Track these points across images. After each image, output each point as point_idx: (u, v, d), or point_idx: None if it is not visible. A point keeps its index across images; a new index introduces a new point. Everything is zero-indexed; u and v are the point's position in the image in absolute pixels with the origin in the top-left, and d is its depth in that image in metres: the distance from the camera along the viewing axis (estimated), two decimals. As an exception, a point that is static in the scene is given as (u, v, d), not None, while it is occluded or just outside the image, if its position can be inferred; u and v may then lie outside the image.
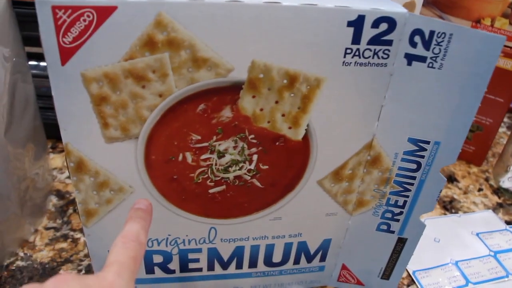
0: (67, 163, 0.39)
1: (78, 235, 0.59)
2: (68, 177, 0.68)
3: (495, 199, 0.72)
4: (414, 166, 0.42)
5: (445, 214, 0.68)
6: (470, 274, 0.58)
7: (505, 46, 0.68)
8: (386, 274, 0.51)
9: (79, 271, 0.54)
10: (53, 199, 0.64)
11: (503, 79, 0.70)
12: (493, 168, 0.77)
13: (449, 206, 0.69)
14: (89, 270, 0.54)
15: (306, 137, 0.39)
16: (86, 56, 0.33)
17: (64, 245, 0.57)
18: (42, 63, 0.68)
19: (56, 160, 0.71)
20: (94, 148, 0.38)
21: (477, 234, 0.64)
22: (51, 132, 0.62)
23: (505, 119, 0.95)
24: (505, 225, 0.67)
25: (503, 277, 0.58)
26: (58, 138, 0.37)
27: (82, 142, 0.37)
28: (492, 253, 0.61)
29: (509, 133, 0.90)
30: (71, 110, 0.36)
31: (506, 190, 0.73)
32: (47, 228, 0.60)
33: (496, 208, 0.70)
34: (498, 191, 0.73)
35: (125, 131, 0.37)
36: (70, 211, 0.63)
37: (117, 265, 0.29)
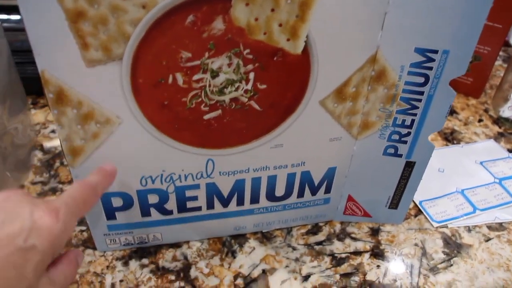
0: (45, 94, 0.35)
1: (67, 187, 0.56)
2: (53, 131, 0.64)
3: (496, 129, 0.70)
4: (421, 79, 0.39)
5: (447, 145, 0.66)
6: (477, 201, 0.56)
7: (503, -35, 0.65)
8: (394, 203, 0.49)
9: (71, 222, 0.51)
10: (38, 154, 0.61)
11: (501, 3, 0.66)
12: (492, 99, 0.75)
13: (450, 138, 0.67)
14: (81, 222, 0.51)
15: (306, 51, 0.36)
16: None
17: (53, 198, 0.54)
18: (14, 17, 0.63)
19: (38, 115, 0.67)
20: (74, 74, 0.34)
21: (481, 163, 0.63)
22: (31, 88, 0.60)
23: (501, 53, 0.92)
24: (508, 153, 0.65)
25: (510, 202, 0.56)
26: (39, 94, 0.34)
27: (60, 68, 0.34)
28: (497, 180, 0.60)
29: (505, 65, 0.87)
30: (44, 30, 0.32)
31: (507, 119, 0.71)
32: (34, 183, 0.57)
33: (498, 137, 0.68)
34: (498, 121, 0.71)
35: (107, 51, 0.33)
36: (57, 164, 0.59)
37: (66, 197, 0.32)
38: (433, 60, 0.38)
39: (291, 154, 0.43)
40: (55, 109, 0.36)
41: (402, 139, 0.43)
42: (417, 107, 0.41)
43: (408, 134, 0.43)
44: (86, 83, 0.35)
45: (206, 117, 0.38)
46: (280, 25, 0.34)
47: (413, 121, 0.42)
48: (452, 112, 0.73)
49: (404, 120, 0.42)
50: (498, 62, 0.89)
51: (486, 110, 0.74)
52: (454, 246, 0.50)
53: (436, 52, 0.38)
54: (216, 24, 0.34)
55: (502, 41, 0.71)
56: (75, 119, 0.37)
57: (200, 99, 0.37)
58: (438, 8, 0.35)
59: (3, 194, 0.29)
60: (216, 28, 0.34)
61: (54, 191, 0.55)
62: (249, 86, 0.37)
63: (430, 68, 0.39)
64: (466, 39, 0.37)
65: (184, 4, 0.32)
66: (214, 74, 0.36)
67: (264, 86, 0.37)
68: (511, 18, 0.68)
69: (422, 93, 0.40)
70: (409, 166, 0.45)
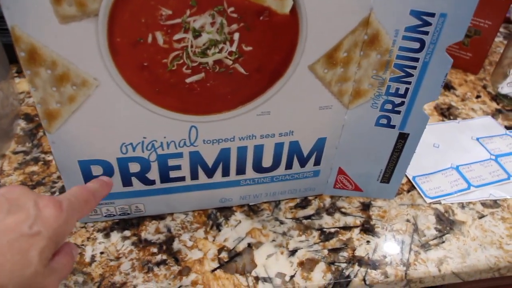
0: (16, 53, 0.33)
1: (50, 157, 0.54)
2: (36, 100, 0.62)
3: (494, 105, 0.68)
4: (417, 45, 0.37)
5: (443, 120, 0.64)
6: (472, 178, 0.54)
7: None
8: (386, 176, 0.47)
9: (53, 193, 0.49)
10: (21, 123, 0.59)
11: (504, -26, 0.64)
12: (490, 75, 0.73)
13: (447, 113, 0.65)
14: (63, 192, 0.49)
15: (294, 11, 0.34)
16: None
17: (35, 168, 0.53)
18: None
19: (23, 84, 0.65)
20: (47, 31, 0.32)
21: (477, 139, 0.61)
22: (15, 56, 0.57)
23: (502, 29, 0.90)
24: (505, 129, 0.63)
25: (505, 179, 0.55)
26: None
27: (31, 23, 0.32)
28: (493, 157, 0.58)
29: (505, 42, 0.85)
30: (13, -18, 0.30)
31: (505, 96, 0.69)
32: (15, 153, 0.55)
33: (495, 114, 0.66)
34: (497, 97, 0.69)
35: (82, 6, 0.31)
36: (41, 133, 0.57)
37: (69, 195, 0.32)
38: (430, 24, 0.36)
39: (278, 122, 0.41)
40: (27, 69, 0.34)
41: (396, 109, 0.41)
42: (411, 75, 0.39)
43: (402, 103, 0.41)
44: (60, 41, 0.33)
45: (188, 80, 0.36)
46: (267, -19, 0.32)
47: (407, 89, 0.40)
48: (450, 87, 0.71)
49: (397, 89, 0.40)
50: (499, 39, 0.87)
51: (484, 87, 0.72)
52: (446, 223, 0.49)
53: (433, 15, 0.36)
54: (197, -22, 0.31)
55: (503, 15, 0.68)
56: (49, 80, 0.35)
57: (182, 60, 0.35)
58: (436, -33, 0.33)
59: (5, 188, 0.29)
60: (198, -18, 0.31)
61: (36, 160, 0.53)
62: (234, 48, 0.35)
63: (426, 33, 0.37)
64: (464, 2, 0.35)
65: (163, -45, 0.30)
66: (196, 34, 0.34)
67: (249, 48, 0.35)
68: (513, -10, 0.66)
69: (417, 59, 0.38)
70: (402, 138, 0.43)
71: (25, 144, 0.56)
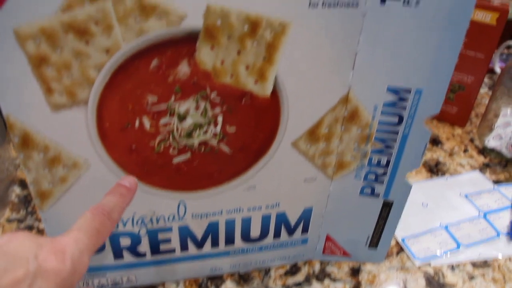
0: (11, 139, 0.34)
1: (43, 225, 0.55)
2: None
3: (481, 159, 0.69)
4: (395, 119, 0.39)
5: (431, 177, 0.65)
6: (461, 237, 0.55)
7: (483, -2, 0.65)
8: (374, 242, 0.48)
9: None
10: (16, 190, 0.60)
11: (482, 33, 0.67)
12: (477, 128, 0.75)
13: (435, 169, 0.66)
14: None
15: (274, 93, 0.35)
16: (16, 9, 0.29)
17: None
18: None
19: (17, 150, 0.67)
20: (39, 119, 0.33)
21: (466, 196, 0.62)
22: None
23: (486, 80, 0.92)
24: (493, 184, 0.64)
25: (494, 237, 0.55)
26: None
27: (24, 112, 0.33)
28: (482, 214, 0.59)
29: (490, 93, 0.87)
30: (7, 75, 0.31)
31: (492, 149, 0.70)
32: (9, 221, 0.55)
33: (483, 168, 0.67)
34: (484, 151, 0.71)
35: (72, 96, 0.33)
36: (34, 201, 0.58)
37: (76, 232, 0.28)
38: (406, 99, 0.38)
39: (264, 195, 0.42)
40: (21, 153, 0.35)
41: (379, 178, 0.42)
42: (392, 147, 0.40)
43: (384, 174, 0.42)
44: (52, 127, 0.34)
45: (175, 160, 0.37)
46: (247, 67, 0.34)
47: (388, 161, 0.41)
48: (437, 142, 0.72)
49: (379, 160, 0.41)
50: (484, 90, 0.89)
51: (471, 140, 0.73)
52: (436, 286, 0.49)
53: (409, 91, 0.37)
54: (181, 68, 0.33)
55: (484, 70, 0.71)
56: (42, 163, 0.36)
57: (168, 142, 0.36)
58: (409, 47, 0.35)
59: (4, 238, 0.26)
60: (181, 71, 0.33)
61: (30, 228, 0.54)
62: (218, 129, 0.36)
63: (404, 107, 0.38)
64: (438, 78, 0.36)
65: (148, 48, 0.32)
66: (182, 118, 0.35)
67: (233, 129, 0.37)
68: (493, 48, 0.68)
69: (396, 132, 0.39)
70: (387, 205, 0.44)
71: (19, 211, 0.57)
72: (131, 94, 0.33)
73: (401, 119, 0.39)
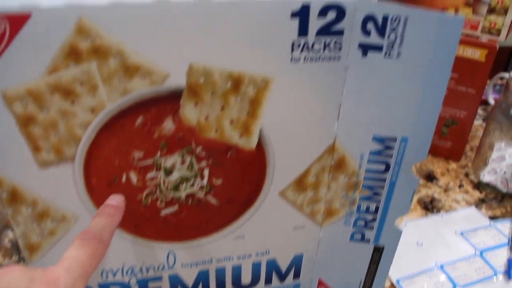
0: (-1, 194, 0.35)
1: (36, 271, 0.54)
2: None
3: (477, 194, 0.69)
4: (382, 167, 0.39)
5: (426, 215, 0.65)
6: (457, 277, 0.54)
7: (471, 35, 0.66)
8: (367, 286, 0.47)
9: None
10: (10, 234, 0.60)
11: (472, 69, 0.67)
12: (472, 162, 0.75)
13: (430, 206, 0.66)
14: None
15: (260, 145, 0.36)
16: (4, 72, 0.29)
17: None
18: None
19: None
20: (27, 175, 0.34)
21: (461, 233, 0.61)
22: None
23: (480, 112, 0.92)
24: (489, 220, 0.64)
25: (491, 276, 0.55)
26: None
27: (13, 169, 0.33)
28: (478, 252, 0.58)
29: (484, 125, 0.87)
30: (-6, 134, 0.32)
31: (487, 184, 0.70)
32: (2, 266, 0.55)
33: (479, 203, 0.67)
34: (479, 185, 0.71)
35: (59, 153, 0.33)
36: (27, 246, 0.58)
37: (68, 261, 0.28)
38: (392, 147, 0.38)
39: (254, 244, 0.42)
40: (9, 207, 0.35)
41: (368, 224, 0.42)
42: (380, 194, 0.40)
43: (374, 220, 0.42)
44: (40, 183, 0.34)
45: (163, 213, 0.37)
46: (232, 122, 0.34)
47: (377, 207, 0.41)
48: (433, 178, 0.72)
49: (368, 207, 0.41)
50: (478, 122, 0.89)
51: (466, 174, 0.73)
52: (432, 330, 0.48)
53: (394, 139, 0.38)
54: (166, 125, 0.33)
55: (477, 105, 0.71)
56: (30, 217, 0.36)
57: (156, 196, 0.36)
58: (393, 97, 0.35)
59: None
60: (166, 128, 0.34)
61: (23, 275, 0.54)
62: (204, 182, 0.36)
63: (390, 155, 0.38)
64: (423, 126, 0.37)
65: (132, 107, 0.32)
66: (168, 172, 0.35)
67: (220, 182, 0.37)
68: (483, 83, 0.69)
69: (384, 179, 0.39)
70: (378, 250, 0.44)
71: (12, 257, 0.57)
72: (117, 151, 0.34)
73: (388, 166, 0.39)
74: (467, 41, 0.66)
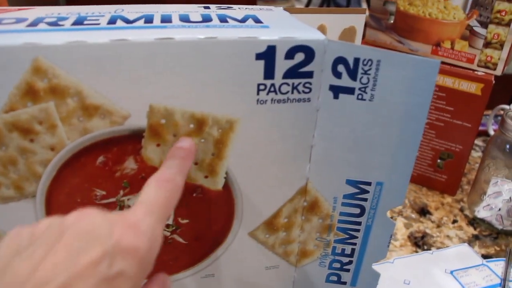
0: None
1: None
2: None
3: (471, 230, 0.67)
4: (357, 210, 0.38)
5: (416, 251, 0.63)
6: (444, 320, 0.52)
7: (467, 68, 0.65)
8: (345, 328, 0.46)
9: None
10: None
11: (469, 103, 0.66)
12: (468, 196, 0.73)
13: (420, 243, 0.64)
14: None
15: (227, 186, 0.35)
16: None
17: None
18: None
19: None
20: None
21: (451, 272, 0.59)
22: None
23: (480, 143, 0.90)
24: (482, 259, 0.62)
25: (480, 321, 0.53)
26: None
27: None
28: (468, 294, 0.56)
29: (481, 159, 0.85)
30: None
31: (482, 220, 0.68)
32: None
33: (472, 240, 0.65)
34: (474, 221, 0.69)
35: (19, 189, 0.33)
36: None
37: (145, 205, 0.26)
38: (367, 191, 0.37)
39: (224, 283, 0.40)
40: (-29, 242, 0.35)
41: (344, 267, 0.41)
42: (356, 237, 0.39)
43: (350, 262, 0.40)
44: (1, 219, 0.34)
45: (127, 251, 0.36)
46: (196, 163, 0.33)
47: (353, 250, 0.40)
48: (426, 212, 0.70)
49: (344, 249, 0.40)
50: (478, 154, 0.87)
51: (461, 209, 0.71)
52: None
53: (369, 184, 0.36)
54: (128, 164, 0.33)
55: (473, 138, 0.69)
56: (-7, 251, 0.35)
57: (119, 234, 0.35)
58: (366, 142, 0.34)
59: (72, 216, 0.24)
60: (128, 167, 0.33)
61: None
62: (170, 221, 0.35)
63: (365, 199, 0.37)
64: (399, 171, 0.36)
65: (93, 145, 0.32)
66: (131, 211, 0.34)
67: (186, 221, 0.36)
68: (479, 117, 0.67)
69: (359, 223, 0.38)
70: (355, 294, 0.42)
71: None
72: (79, 188, 0.33)
73: (363, 210, 0.38)
74: (463, 74, 0.65)
